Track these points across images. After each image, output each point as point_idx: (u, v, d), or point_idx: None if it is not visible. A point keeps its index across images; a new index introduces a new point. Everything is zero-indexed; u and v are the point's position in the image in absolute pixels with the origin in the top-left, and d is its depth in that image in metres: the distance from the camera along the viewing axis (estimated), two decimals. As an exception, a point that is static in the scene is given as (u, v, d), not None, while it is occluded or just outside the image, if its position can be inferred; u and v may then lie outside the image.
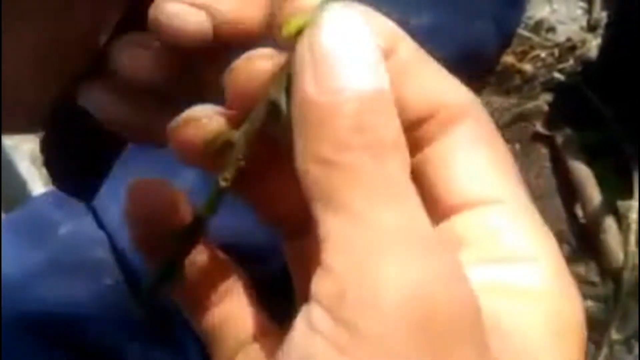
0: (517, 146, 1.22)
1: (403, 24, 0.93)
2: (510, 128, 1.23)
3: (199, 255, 0.26)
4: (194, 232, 0.25)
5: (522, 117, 1.24)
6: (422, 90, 0.25)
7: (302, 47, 0.23)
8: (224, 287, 0.26)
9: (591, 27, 1.35)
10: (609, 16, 1.30)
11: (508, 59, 1.27)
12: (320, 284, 0.21)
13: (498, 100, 1.26)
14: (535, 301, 0.23)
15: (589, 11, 1.38)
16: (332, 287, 0.20)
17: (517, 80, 1.27)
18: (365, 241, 0.21)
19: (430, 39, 0.97)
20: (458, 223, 0.24)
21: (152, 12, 0.28)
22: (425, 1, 1.07)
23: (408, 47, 0.26)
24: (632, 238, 1.03)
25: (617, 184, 1.10)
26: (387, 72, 0.23)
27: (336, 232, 0.21)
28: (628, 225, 1.05)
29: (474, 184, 0.24)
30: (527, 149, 1.21)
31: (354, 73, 0.22)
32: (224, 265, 0.27)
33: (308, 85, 0.22)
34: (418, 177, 0.24)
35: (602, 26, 1.32)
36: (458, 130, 0.25)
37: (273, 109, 0.24)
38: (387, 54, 0.25)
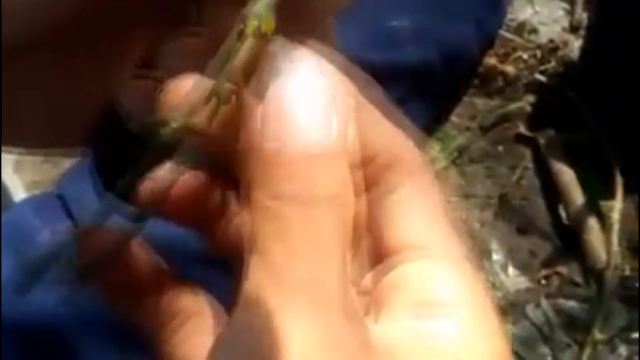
0: (501, 148, 1.22)
1: (384, 26, 0.92)
2: (494, 129, 1.24)
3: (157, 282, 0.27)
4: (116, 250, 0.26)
5: (505, 119, 1.24)
6: (364, 133, 0.25)
7: (254, 95, 0.23)
8: (188, 306, 0.27)
9: (573, 28, 1.36)
10: (589, 17, 1.30)
11: (490, 60, 1.28)
12: (233, 333, 0.23)
13: (481, 102, 1.27)
14: (454, 358, 0.23)
15: (570, 12, 1.39)
16: (244, 340, 0.22)
17: (500, 82, 1.27)
18: (275, 296, 0.22)
19: (411, 41, 0.97)
20: (392, 266, 0.25)
21: None
22: (406, 3, 1.07)
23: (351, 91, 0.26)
24: (615, 238, 1.03)
25: (599, 185, 1.11)
26: (347, 123, 0.23)
27: (253, 279, 0.22)
28: (610, 226, 1.05)
29: (410, 232, 0.25)
30: (511, 150, 1.22)
31: (303, 127, 0.23)
32: (181, 286, 0.28)
33: (255, 132, 0.23)
34: (360, 217, 0.25)
35: (584, 27, 1.33)
36: (396, 178, 0.26)
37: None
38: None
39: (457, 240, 0.25)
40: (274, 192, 0.22)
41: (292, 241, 0.22)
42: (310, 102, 0.23)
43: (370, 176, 0.25)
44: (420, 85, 1.10)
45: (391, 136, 0.26)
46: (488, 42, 1.28)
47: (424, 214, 0.25)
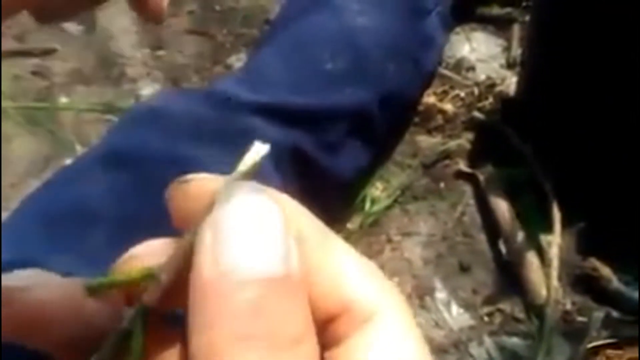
0: (442, 184, 1.23)
1: (319, 69, 0.92)
2: (435, 166, 1.25)
3: None
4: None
5: (446, 156, 1.25)
6: (329, 285, 0.23)
7: (204, 226, 0.21)
8: None
9: (510, 65, 1.39)
10: (523, 54, 1.33)
11: (430, 99, 1.29)
12: None
13: (422, 140, 1.28)
14: None
15: (507, 49, 1.42)
16: None
17: (440, 120, 1.28)
18: None
19: (348, 82, 0.97)
20: None
21: None
22: (342, 45, 1.08)
23: (312, 230, 0.23)
24: (554, 273, 1.04)
25: (538, 220, 1.12)
26: (299, 262, 0.21)
27: None
28: (549, 261, 1.06)
29: None
30: (452, 187, 1.23)
31: (257, 256, 0.20)
32: None
33: (205, 264, 0.20)
34: None
35: (519, 63, 1.35)
36: (368, 332, 0.22)
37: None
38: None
39: None
40: (235, 336, 0.19)
41: None
42: (265, 232, 0.20)
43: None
44: (359, 126, 1.11)
45: (337, 279, 0.23)
46: (427, 80, 1.30)
47: None
